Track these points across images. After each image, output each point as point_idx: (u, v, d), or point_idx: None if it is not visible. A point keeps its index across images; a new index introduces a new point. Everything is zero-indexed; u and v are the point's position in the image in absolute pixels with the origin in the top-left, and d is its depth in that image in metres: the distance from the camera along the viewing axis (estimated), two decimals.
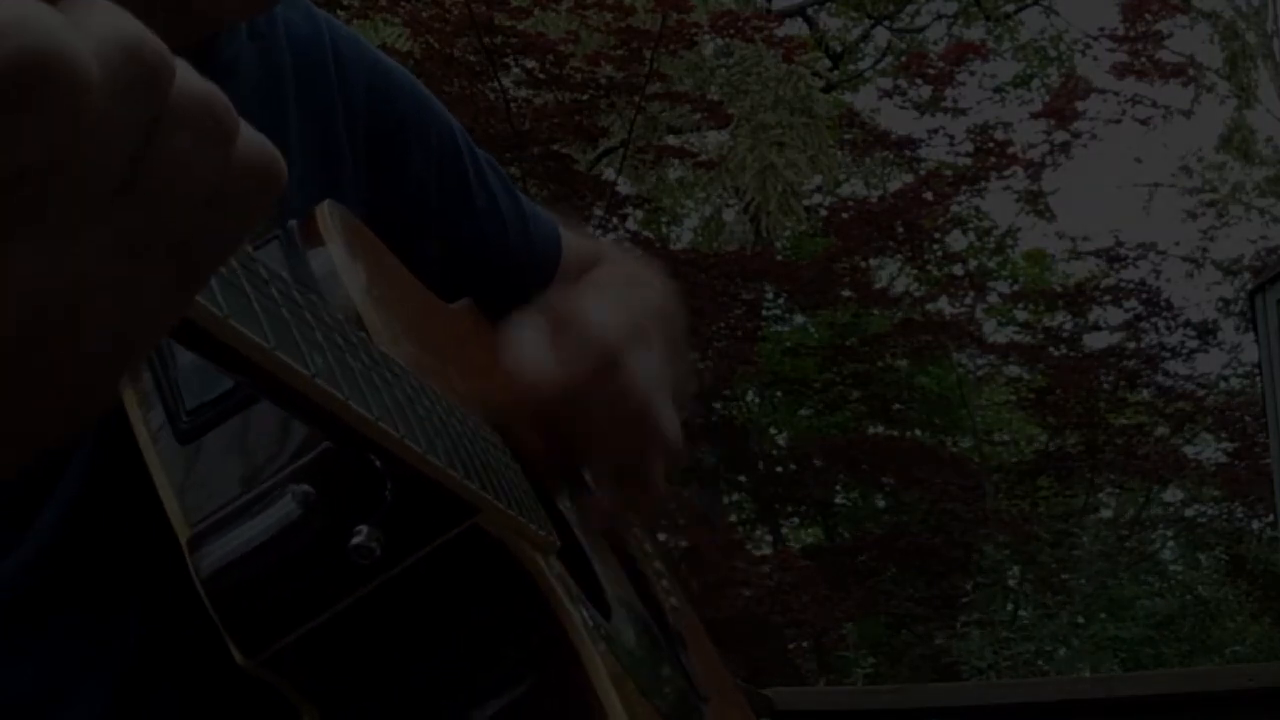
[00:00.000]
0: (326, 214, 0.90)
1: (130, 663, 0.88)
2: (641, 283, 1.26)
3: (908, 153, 13.47)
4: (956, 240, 14.50)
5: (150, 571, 0.87)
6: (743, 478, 15.68)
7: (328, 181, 1.05)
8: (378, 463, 0.76)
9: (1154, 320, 13.78)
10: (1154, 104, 14.10)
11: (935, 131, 13.36)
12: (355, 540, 0.75)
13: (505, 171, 1.29)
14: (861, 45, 16.65)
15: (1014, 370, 14.79)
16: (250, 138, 0.50)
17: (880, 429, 14.49)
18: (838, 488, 15.14)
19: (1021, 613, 12.85)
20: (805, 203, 12.40)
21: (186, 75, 0.48)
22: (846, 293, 13.28)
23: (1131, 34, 13.00)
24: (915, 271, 14.04)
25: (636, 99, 10.57)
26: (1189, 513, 15.27)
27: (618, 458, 1.02)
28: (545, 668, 0.85)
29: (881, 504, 15.44)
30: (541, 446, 1.00)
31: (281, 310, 0.61)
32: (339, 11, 9.44)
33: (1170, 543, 15.18)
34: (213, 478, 0.79)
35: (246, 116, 0.51)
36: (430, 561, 0.78)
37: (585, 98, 10.61)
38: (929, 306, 13.81)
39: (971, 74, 13.90)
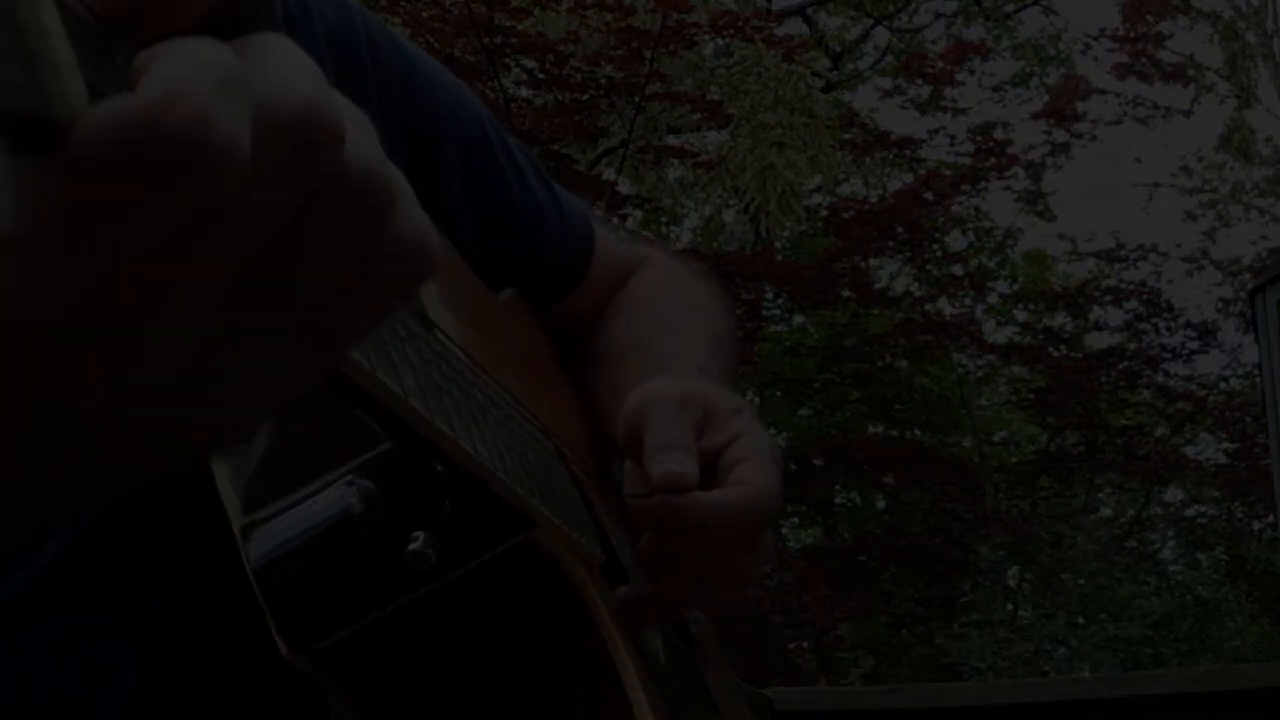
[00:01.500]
0: None
1: (156, 653, 0.87)
2: (700, 302, 1.26)
3: (908, 153, 13.46)
4: (956, 240, 14.52)
5: (180, 565, 0.88)
6: None
7: None
8: (440, 469, 0.75)
9: (1154, 321, 13.79)
10: (1154, 104, 14.14)
11: (935, 131, 13.38)
12: (412, 546, 0.74)
13: (536, 159, 1.29)
14: (861, 45, 16.61)
15: (1014, 370, 14.78)
16: (407, 215, 0.48)
17: (880, 429, 14.47)
18: (838, 488, 15.11)
19: (1021, 613, 12.87)
20: (805, 203, 12.37)
21: (358, 145, 0.45)
22: (846, 293, 13.27)
23: (1131, 34, 13.03)
24: (915, 271, 14.04)
25: (636, 99, 10.56)
26: (1189, 513, 15.29)
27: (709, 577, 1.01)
28: (585, 688, 0.85)
29: (881, 504, 15.42)
30: (592, 462, 0.99)
31: None
32: None
33: (1170, 543, 15.20)
34: (271, 469, 0.78)
35: None
36: (482, 573, 0.78)
37: (585, 98, 10.61)
38: (929, 306, 13.80)
39: (971, 74, 13.92)
